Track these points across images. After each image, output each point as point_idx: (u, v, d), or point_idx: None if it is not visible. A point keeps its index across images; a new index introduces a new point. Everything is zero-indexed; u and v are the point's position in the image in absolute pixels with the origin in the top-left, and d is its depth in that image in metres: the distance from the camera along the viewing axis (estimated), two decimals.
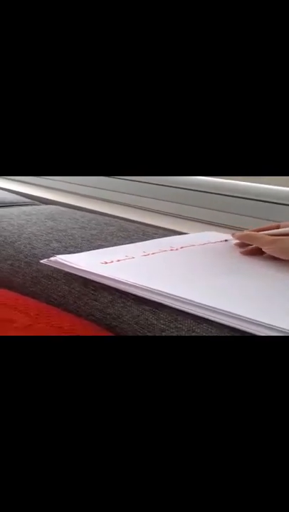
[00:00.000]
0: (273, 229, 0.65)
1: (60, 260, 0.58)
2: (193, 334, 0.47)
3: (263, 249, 0.61)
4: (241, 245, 0.67)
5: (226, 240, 0.72)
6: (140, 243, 0.71)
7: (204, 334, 0.47)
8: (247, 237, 0.65)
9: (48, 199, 1.20)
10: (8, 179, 1.43)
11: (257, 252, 0.64)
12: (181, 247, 0.67)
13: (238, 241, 0.68)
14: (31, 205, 1.08)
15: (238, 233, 0.68)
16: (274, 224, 0.66)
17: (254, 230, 0.67)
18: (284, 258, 0.59)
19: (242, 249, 0.66)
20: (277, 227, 0.65)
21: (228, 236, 0.76)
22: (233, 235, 0.69)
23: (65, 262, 0.58)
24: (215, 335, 0.46)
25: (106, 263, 0.58)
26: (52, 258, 0.60)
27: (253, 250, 0.64)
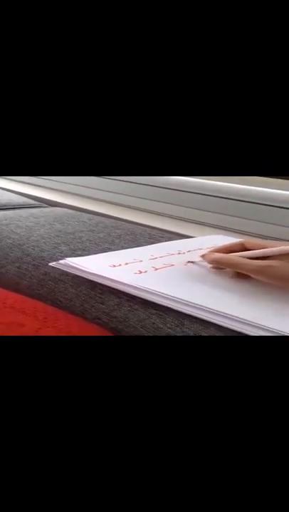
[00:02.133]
0: (238, 248, 0.59)
1: (69, 263, 0.59)
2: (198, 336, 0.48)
3: (253, 277, 0.55)
4: (214, 266, 0.60)
5: (190, 262, 0.63)
6: (148, 246, 0.71)
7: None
8: (224, 262, 0.57)
9: (55, 201, 1.21)
10: (15, 181, 1.44)
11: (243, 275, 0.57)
12: (189, 251, 0.67)
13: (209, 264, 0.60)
14: (39, 207, 1.09)
15: (209, 256, 0.59)
16: (238, 243, 0.59)
17: (218, 250, 0.60)
18: (279, 285, 0.53)
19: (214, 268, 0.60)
20: (242, 246, 0.59)
21: (233, 240, 0.76)
22: (202, 256, 0.61)
23: (75, 265, 0.58)
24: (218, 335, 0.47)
25: (114, 266, 0.59)
26: (61, 261, 0.60)
27: (239, 274, 0.57)
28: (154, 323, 0.51)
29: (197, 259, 0.62)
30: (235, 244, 0.59)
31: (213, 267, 0.60)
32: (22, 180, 1.43)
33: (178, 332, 0.49)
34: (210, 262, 0.59)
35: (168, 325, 0.50)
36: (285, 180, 0.90)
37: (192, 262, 0.62)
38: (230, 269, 0.58)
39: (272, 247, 0.54)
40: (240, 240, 0.60)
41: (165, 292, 0.52)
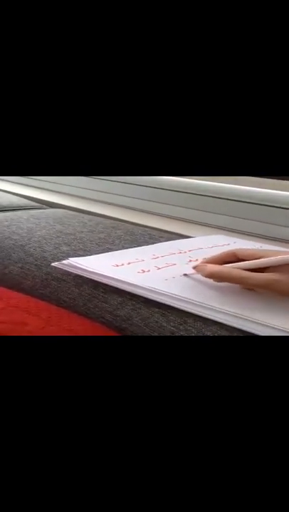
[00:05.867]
0: (230, 258, 0.55)
1: (73, 263, 0.60)
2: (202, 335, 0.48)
3: (257, 291, 0.53)
4: (215, 280, 0.55)
5: (185, 275, 0.58)
6: (149, 246, 0.72)
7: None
8: (222, 277, 0.53)
9: (55, 203, 1.21)
10: (16, 183, 1.44)
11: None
12: (190, 250, 0.68)
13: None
14: (39, 208, 1.09)
15: (205, 269, 0.54)
16: (229, 252, 0.55)
17: (210, 261, 0.56)
18: (285, 298, 0.50)
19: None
20: (234, 255, 0.55)
21: (232, 239, 0.77)
22: (195, 268, 0.56)
23: (78, 265, 0.59)
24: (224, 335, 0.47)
25: (117, 266, 0.60)
26: (65, 261, 0.61)
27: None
28: (157, 322, 0.52)
29: (190, 271, 0.58)
30: (227, 255, 0.55)
31: (214, 281, 0.55)
32: (22, 182, 1.43)
33: (181, 330, 0.50)
34: (207, 276, 0.54)
35: (171, 323, 0.51)
36: (283, 181, 0.91)
37: (186, 275, 0.58)
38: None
39: (265, 255, 0.52)
40: (231, 249, 0.56)
41: (169, 291, 0.52)
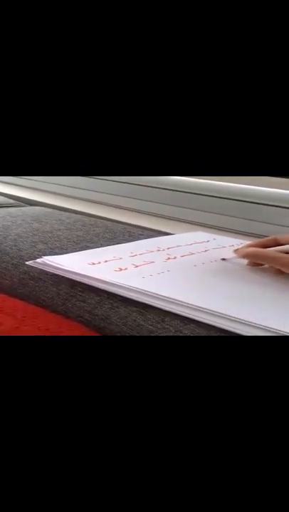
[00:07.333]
0: (271, 243, 0.59)
1: (47, 261, 0.58)
2: (181, 335, 0.47)
3: (285, 271, 0.55)
4: (250, 263, 0.60)
5: (223, 259, 0.62)
6: (127, 244, 0.71)
7: (191, 335, 0.47)
8: (257, 256, 0.58)
9: (32, 200, 1.20)
10: None
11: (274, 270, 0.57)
12: (168, 248, 0.67)
13: (242, 258, 0.60)
14: (16, 206, 1.08)
15: (242, 250, 0.59)
16: (271, 238, 0.60)
17: (252, 245, 0.61)
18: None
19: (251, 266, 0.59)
20: (275, 241, 0.59)
21: (211, 236, 0.76)
22: (235, 251, 0.60)
23: (52, 263, 0.58)
24: (202, 335, 0.47)
25: (93, 264, 0.59)
26: (38, 260, 0.60)
27: (269, 268, 0.58)
28: (135, 320, 0.51)
29: (229, 255, 0.62)
30: (269, 240, 0.60)
31: (249, 264, 0.59)
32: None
33: (159, 329, 0.49)
34: (244, 257, 0.59)
35: (149, 322, 0.50)
36: (261, 177, 0.91)
37: (224, 259, 0.62)
38: (267, 265, 0.58)
39: None
40: (274, 235, 0.60)
41: (146, 289, 0.51)
